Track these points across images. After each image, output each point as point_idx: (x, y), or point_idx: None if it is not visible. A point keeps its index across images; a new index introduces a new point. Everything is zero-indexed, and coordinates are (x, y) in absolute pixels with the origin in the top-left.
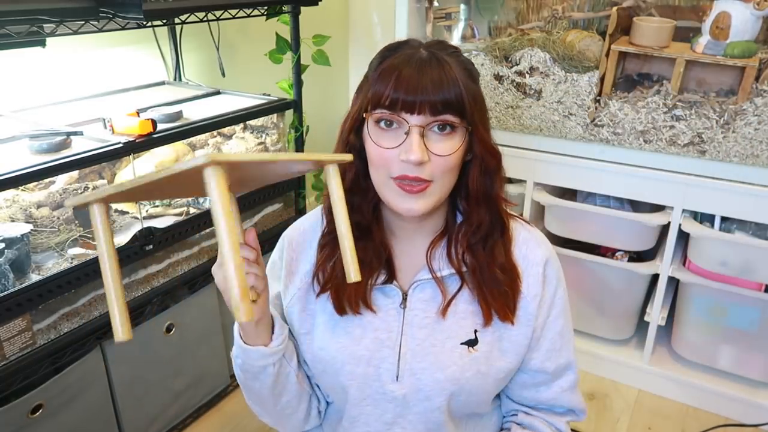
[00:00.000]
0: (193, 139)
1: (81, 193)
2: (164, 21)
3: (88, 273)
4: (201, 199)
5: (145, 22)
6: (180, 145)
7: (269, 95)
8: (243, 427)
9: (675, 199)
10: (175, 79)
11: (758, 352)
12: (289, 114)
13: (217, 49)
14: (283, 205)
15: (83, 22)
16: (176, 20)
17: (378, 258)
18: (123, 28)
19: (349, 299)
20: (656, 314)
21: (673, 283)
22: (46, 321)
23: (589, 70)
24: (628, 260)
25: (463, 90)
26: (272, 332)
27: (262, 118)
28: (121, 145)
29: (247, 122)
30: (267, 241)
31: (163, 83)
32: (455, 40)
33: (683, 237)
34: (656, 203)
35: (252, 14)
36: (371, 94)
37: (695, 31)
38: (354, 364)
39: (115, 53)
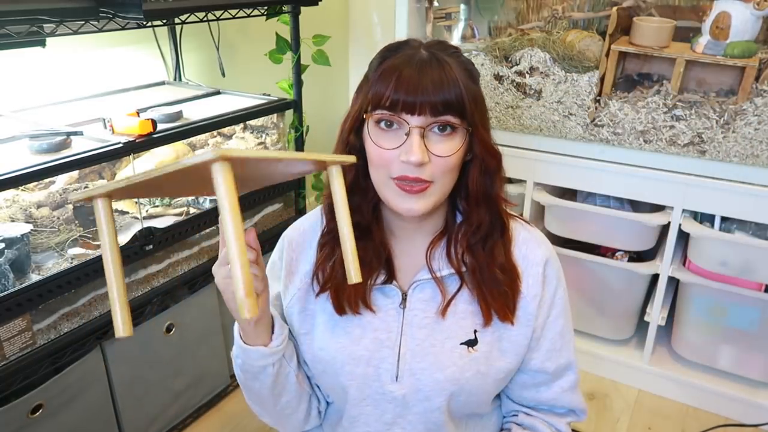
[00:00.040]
0: (193, 139)
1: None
2: (164, 21)
3: (88, 273)
4: (201, 199)
5: (145, 22)
6: (180, 145)
7: (269, 95)
8: (243, 427)
9: (675, 199)
10: (175, 79)
11: (758, 352)
12: (289, 114)
13: (217, 49)
14: (283, 205)
15: (83, 22)
16: (176, 20)
17: (378, 258)
18: (123, 28)
19: (348, 299)
20: (656, 314)
21: (673, 283)
22: (46, 321)
23: (589, 70)
24: (628, 260)
25: (464, 90)
26: (272, 332)
27: (262, 118)
28: (121, 145)
29: (247, 122)
30: (267, 241)
31: (163, 83)
32: (455, 40)
33: (683, 237)
34: (656, 203)
35: (252, 14)
36: (371, 95)
37: (695, 31)
38: (354, 364)
39: (115, 53)
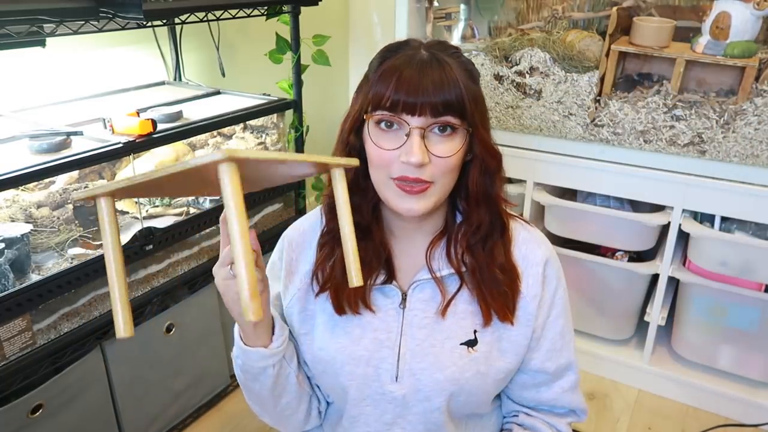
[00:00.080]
0: (193, 139)
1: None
2: (164, 21)
3: (88, 273)
4: (201, 199)
5: (145, 22)
6: (180, 145)
7: (269, 95)
8: (243, 427)
9: (675, 199)
10: (175, 79)
11: (758, 352)
12: (289, 114)
13: (217, 49)
14: (283, 205)
15: (83, 22)
16: (176, 20)
17: (377, 258)
18: (123, 28)
19: (348, 299)
20: (656, 314)
21: (673, 283)
22: (46, 321)
23: (589, 70)
24: (628, 260)
25: (464, 91)
26: (272, 333)
27: (262, 118)
28: (121, 145)
29: (247, 122)
30: (267, 241)
31: (163, 83)
32: (455, 40)
33: (683, 237)
34: (656, 203)
35: (252, 14)
36: (372, 95)
37: (695, 31)
38: (353, 364)
39: (115, 53)
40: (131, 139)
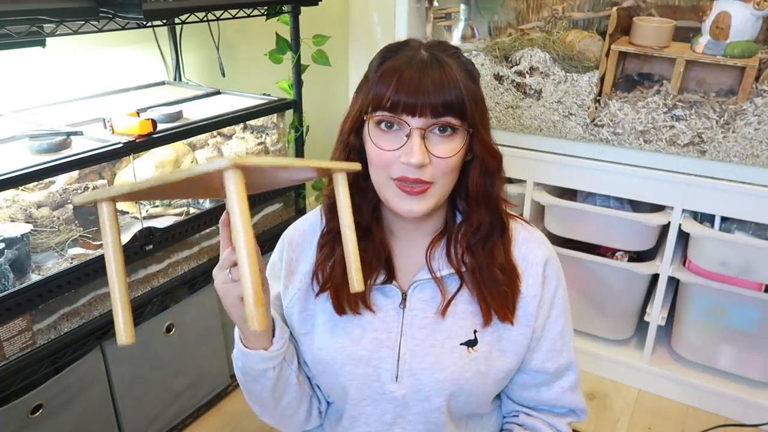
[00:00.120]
0: (193, 139)
1: (81, 192)
2: (164, 21)
3: (88, 273)
4: (201, 199)
5: (145, 22)
6: (180, 145)
7: (269, 95)
8: (243, 427)
9: (675, 199)
10: (175, 79)
11: (758, 352)
12: (289, 114)
13: (217, 49)
14: (283, 205)
15: (83, 22)
16: (176, 20)
17: (377, 258)
18: (123, 28)
19: (348, 299)
20: (656, 314)
21: (673, 283)
22: (46, 321)
23: (589, 70)
24: (628, 260)
25: (464, 91)
26: (273, 336)
27: (262, 118)
28: (121, 145)
29: (247, 122)
30: (267, 241)
31: (163, 83)
32: (455, 40)
33: (683, 237)
34: (656, 203)
35: (252, 14)
36: (372, 96)
37: (695, 31)
38: (353, 364)
39: (115, 53)
40: (131, 139)
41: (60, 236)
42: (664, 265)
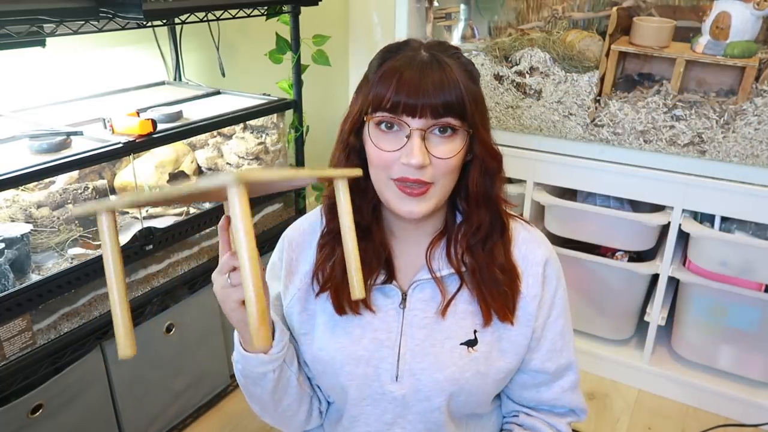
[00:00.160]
0: (193, 139)
1: (81, 193)
2: (164, 21)
3: (88, 273)
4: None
5: (145, 22)
6: (180, 145)
7: (269, 95)
8: (243, 427)
9: (675, 199)
10: (175, 79)
11: (758, 352)
12: (289, 114)
13: (217, 49)
14: (283, 205)
15: (83, 22)
16: (176, 20)
17: (377, 258)
18: (123, 28)
19: (348, 299)
20: (656, 314)
21: (673, 283)
22: (46, 321)
23: (589, 70)
24: (628, 260)
25: (464, 92)
26: (272, 339)
27: (262, 118)
28: (121, 145)
29: (247, 122)
30: (267, 241)
31: (163, 83)
32: (455, 40)
33: (683, 237)
34: (656, 203)
35: (252, 14)
36: (372, 97)
37: (695, 31)
38: (353, 364)
39: (115, 53)
40: (131, 139)
41: (60, 236)
42: (664, 265)
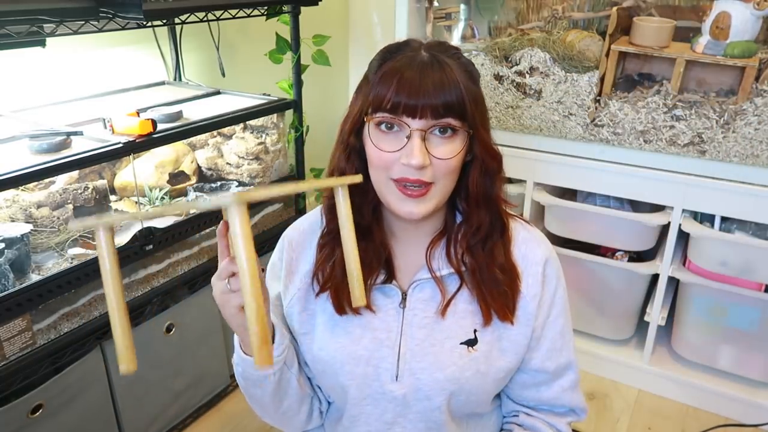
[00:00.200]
0: (193, 139)
1: (81, 193)
2: (164, 21)
3: (88, 273)
4: (201, 199)
5: (145, 22)
6: (180, 145)
7: (269, 95)
8: (243, 427)
9: (675, 199)
10: (175, 79)
11: (758, 352)
12: (289, 114)
13: (217, 49)
14: (283, 205)
15: (83, 22)
16: (176, 20)
17: (377, 258)
18: (123, 28)
19: (348, 299)
20: (656, 314)
21: (673, 283)
22: (46, 321)
23: (589, 70)
24: (628, 260)
25: (464, 92)
26: (272, 342)
27: (262, 118)
28: (121, 145)
29: (247, 122)
30: (267, 241)
31: (163, 83)
32: (455, 40)
33: (683, 237)
34: (656, 203)
35: (252, 14)
36: (372, 97)
37: (695, 31)
38: (353, 363)
39: (115, 53)
40: (131, 139)
41: (60, 236)
42: (664, 265)
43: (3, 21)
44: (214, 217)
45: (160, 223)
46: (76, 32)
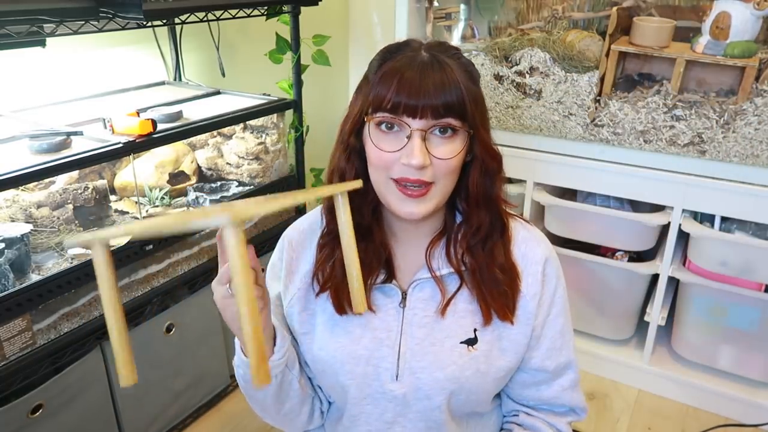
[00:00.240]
0: (193, 139)
1: (81, 193)
2: (164, 21)
3: (88, 273)
4: (201, 199)
5: (145, 22)
6: (180, 145)
7: (269, 95)
8: (243, 427)
9: (675, 199)
10: (175, 79)
11: (758, 352)
12: (289, 114)
13: (217, 49)
14: None
15: (83, 22)
16: (176, 20)
17: (378, 258)
18: (123, 28)
19: (348, 299)
20: (656, 314)
21: (673, 283)
22: (46, 321)
23: (589, 70)
24: (628, 260)
25: (465, 92)
26: (274, 344)
27: (262, 118)
28: (121, 145)
29: (247, 122)
30: (267, 241)
31: (163, 83)
32: (455, 40)
33: (683, 237)
34: (656, 203)
35: (252, 14)
36: (372, 97)
37: (695, 31)
38: (353, 363)
39: (115, 53)
40: (131, 139)
41: (60, 236)
42: (664, 265)
43: (3, 21)
44: None
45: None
46: (76, 32)
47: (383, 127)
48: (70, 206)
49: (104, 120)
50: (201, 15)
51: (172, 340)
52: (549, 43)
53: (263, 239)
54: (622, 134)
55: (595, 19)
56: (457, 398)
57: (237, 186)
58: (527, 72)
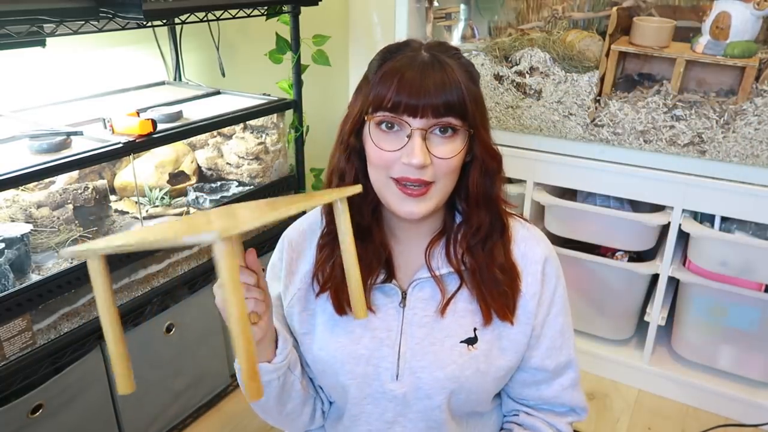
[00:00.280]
0: (193, 139)
1: (81, 193)
2: (164, 21)
3: (87, 273)
4: (201, 199)
5: (145, 22)
6: (180, 145)
7: (269, 95)
8: (243, 427)
9: (675, 199)
10: (175, 79)
11: (758, 352)
12: (289, 114)
13: (217, 49)
14: None
15: (83, 22)
16: (176, 20)
17: (377, 258)
18: (123, 28)
19: (348, 299)
20: (656, 314)
21: (673, 283)
22: (46, 321)
23: (589, 70)
24: (628, 260)
25: (465, 92)
26: (276, 347)
27: (262, 118)
28: (121, 145)
29: (247, 122)
30: (267, 240)
31: (163, 83)
32: (455, 40)
33: (683, 237)
34: (656, 203)
35: (252, 14)
36: (372, 97)
37: (695, 31)
38: (353, 363)
39: (115, 53)
40: (131, 139)
41: (60, 236)
42: (664, 265)
43: (3, 21)
44: None
45: (160, 222)
46: (76, 32)
47: (383, 126)
48: (70, 206)
49: (104, 120)
50: (201, 15)
51: (172, 340)
52: (549, 43)
53: (263, 239)
54: (622, 134)
55: (595, 19)
56: (457, 398)
57: (237, 186)
58: (527, 72)
